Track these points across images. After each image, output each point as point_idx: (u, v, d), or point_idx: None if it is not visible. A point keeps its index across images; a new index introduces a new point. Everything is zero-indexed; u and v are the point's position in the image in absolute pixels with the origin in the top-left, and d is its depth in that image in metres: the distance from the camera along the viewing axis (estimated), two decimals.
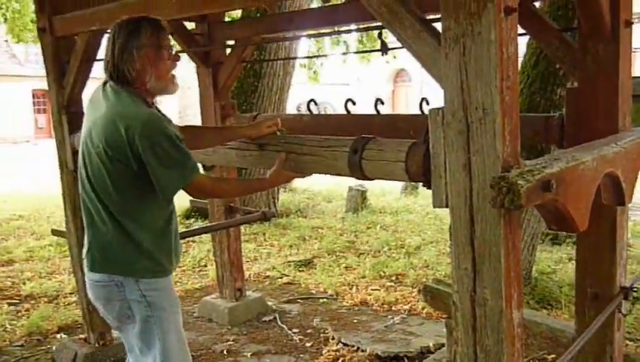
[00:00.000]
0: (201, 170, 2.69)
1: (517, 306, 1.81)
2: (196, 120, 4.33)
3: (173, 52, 2.53)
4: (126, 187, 2.44)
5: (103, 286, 2.54)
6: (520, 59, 3.44)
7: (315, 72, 13.29)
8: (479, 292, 1.81)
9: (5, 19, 11.60)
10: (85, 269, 2.60)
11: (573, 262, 2.93)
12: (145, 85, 2.45)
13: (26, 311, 5.17)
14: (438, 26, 1.82)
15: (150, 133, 2.33)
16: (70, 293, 5.45)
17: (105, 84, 2.50)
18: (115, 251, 2.50)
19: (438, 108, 1.83)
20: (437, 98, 1.84)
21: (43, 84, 3.93)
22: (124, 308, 2.54)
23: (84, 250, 2.61)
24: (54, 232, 4.59)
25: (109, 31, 2.56)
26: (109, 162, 2.39)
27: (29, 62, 30.54)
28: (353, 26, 4.04)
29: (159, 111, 2.56)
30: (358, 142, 2.20)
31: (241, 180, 2.83)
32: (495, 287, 1.77)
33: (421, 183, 2.05)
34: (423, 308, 4.91)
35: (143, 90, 2.46)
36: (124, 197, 2.45)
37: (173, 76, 2.53)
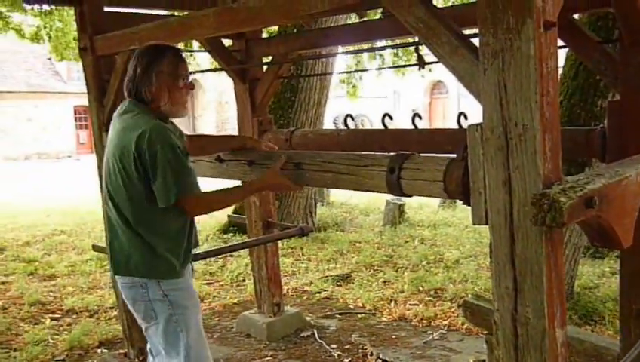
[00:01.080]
0: None
1: (560, 325, 1.77)
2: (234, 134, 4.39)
3: (189, 81, 2.74)
4: (139, 197, 2.61)
5: (130, 287, 2.75)
6: (559, 70, 3.41)
7: (354, 87, 13.31)
8: (521, 310, 1.78)
9: (49, 38, 11.89)
10: (112, 273, 2.86)
11: (617, 276, 2.86)
12: (159, 107, 2.66)
13: (68, 325, 5.24)
14: (476, 41, 1.81)
15: (154, 141, 2.51)
16: (111, 308, 5.51)
17: (124, 102, 2.74)
18: (135, 257, 2.69)
19: (477, 125, 1.81)
20: (474, 110, 1.82)
21: (84, 101, 4.02)
22: (148, 308, 2.74)
23: (109, 256, 2.83)
24: (95, 248, 4.66)
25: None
26: (124, 174, 2.59)
27: (72, 79, 31.23)
28: (389, 41, 4.03)
29: (172, 124, 2.78)
30: (396, 159, 2.18)
31: (226, 189, 2.85)
32: (537, 306, 1.74)
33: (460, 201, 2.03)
34: (462, 324, 4.85)
35: (157, 110, 2.67)
36: (138, 207, 2.63)
37: (186, 102, 2.75)
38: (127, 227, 2.67)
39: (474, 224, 1.89)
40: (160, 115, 2.67)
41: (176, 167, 2.54)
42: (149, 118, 2.60)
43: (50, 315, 5.50)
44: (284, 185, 2.81)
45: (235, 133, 4.60)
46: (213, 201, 2.82)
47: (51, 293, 6.16)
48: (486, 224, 1.84)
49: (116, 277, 2.81)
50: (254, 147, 3.17)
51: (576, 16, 3.27)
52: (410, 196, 2.23)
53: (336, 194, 11.07)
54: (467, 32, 2.09)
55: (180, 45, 5.92)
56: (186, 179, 2.59)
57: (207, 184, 2.86)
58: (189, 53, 8.34)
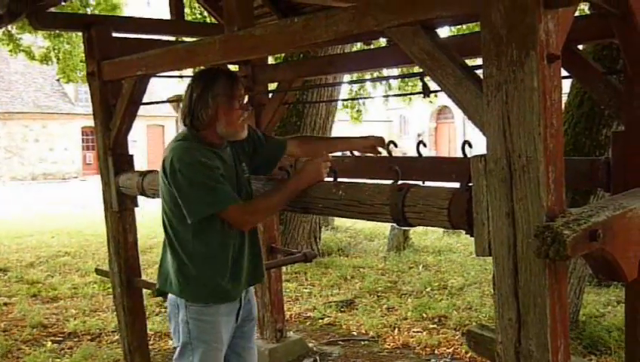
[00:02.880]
0: None
1: (564, 359, 1.75)
2: None
3: (245, 102, 2.78)
4: (177, 216, 2.64)
5: (169, 304, 2.82)
6: (564, 98, 3.40)
7: (358, 111, 13.35)
8: (524, 343, 1.76)
9: (58, 60, 12.00)
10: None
11: (623, 305, 2.84)
12: (215, 129, 2.68)
13: (69, 348, 5.22)
14: (480, 72, 1.81)
15: (174, 162, 2.55)
16: (113, 331, 5.49)
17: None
18: (172, 275, 2.73)
19: (481, 156, 1.81)
20: (479, 136, 1.81)
21: (92, 122, 4.04)
22: (176, 329, 2.79)
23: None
24: (98, 271, 4.65)
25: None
26: (166, 195, 2.65)
27: (79, 100, 31.47)
28: (394, 69, 4.05)
29: (228, 147, 2.80)
30: (400, 191, 2.18)
31: (271, 191, 2.78)
32: (541, 339, 1.72)
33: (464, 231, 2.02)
34: (466, 352, 4.80)
35: (213, 133, 2.69)
36: (177, 226, 2.67)
37: (243, 122, 2.74)
38: (169, 245, 2.73)
39: (477, 255, 1.88)
40: (215, 139, 2.69)
41: (206, 181, 2.53)
42: (187, 142, 2.64)
43: (52, 338, 5.49)
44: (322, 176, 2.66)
45: None
46: (261, 206, 2.71)
47: (54, 316, 6.15)
48: (489, 255, 1.83)
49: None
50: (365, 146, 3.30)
51: (580, 46, 3.28)
52: (414, 226, 2.23)
53: (341, 219, 11.04)
54: (471, 62, 2.10)
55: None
56: (218, 194, 2.55)
57: None
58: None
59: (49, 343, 5.34)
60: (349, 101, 12.85)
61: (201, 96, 2.64)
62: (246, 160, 2.91)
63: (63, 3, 3.92)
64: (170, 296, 2.80)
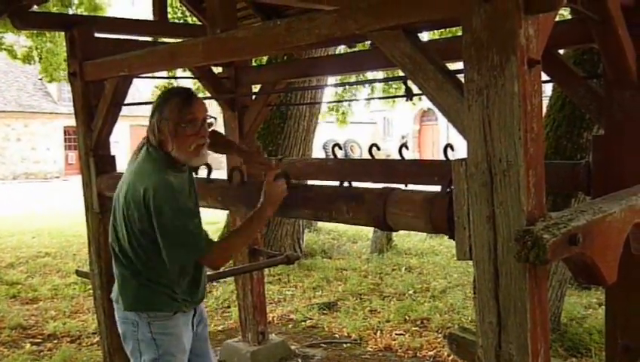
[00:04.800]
0: None
1: None
2: (224, 158, 4.36)
3: (202, 126, 2.62)
4: (142, 241, 2.58)
5: (122, 323, 2.74)
6: (545, 102, 3.42)
7: (343, 114, 13.37)
8: (504, 347, 1.77)
9: (40, 59, 11.90)
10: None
11: (604, 307, 2.88)
12: (170, 152, 2.60)
13: (48, 350, 5.17)
14: (461, 76, 1.82)
15: (160, 202, 2.46)
16: (93, 333, 5.45)
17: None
18: (133, 289, 2.65)
19: (462, 160, 1.81)
20: (462, 140, 1.82)
21: (74, 122, 3.99)
22: (135, 348, 2.70)
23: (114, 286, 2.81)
24: (78, 273, 4.62)
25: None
26: (129, 215, 2.56)
27: (62, 99, 31.20)
28: (378, 72, 4.06)
29: (190, 174, 2.75)
30: (381, 195, 2.18)
31: (239, 227, 2.73)
32: (521, 343, 1.73)
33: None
34: (448, 355, 4.82)
35: (168, 155, 2.61)
36: (147, 244, 2.58)
37: (198, 148, 2.62)
38: (128, 262, 2.64)
39: (458, 259, 1.89)
40: (173, 161, 2.61)
41: (181, 232, 2.48)
42: (157, 170, 2.54)
43: (31, 340, 5.44)
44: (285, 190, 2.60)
45: (224, 157, 4.58)
46: (231, 248, 2.74)
47: (33, 317, 6.09)
48: (470, 259, 1.84)
49: (116, 308, 2.79)
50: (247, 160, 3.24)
51: (561, 50, 3.31)
52: (395, 230, 2.23)
53: (322, 221, 11.02)
54: (453, 66, 2.11)
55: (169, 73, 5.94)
56: (196, 243, 2.51)
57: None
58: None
59: (28, 345, 5.28)
60: (334, 103, 12.87)
61: (153, 117, 2.60)
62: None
63: (45, 3, 3.87)
64: (122, 314, 2.72)
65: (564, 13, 5.66)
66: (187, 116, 2.56)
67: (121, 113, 3.81)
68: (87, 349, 5.15)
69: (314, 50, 5.89)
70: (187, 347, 2.77)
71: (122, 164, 3.23)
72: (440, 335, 5.30)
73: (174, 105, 2.57)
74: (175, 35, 4.49)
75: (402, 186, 2.37)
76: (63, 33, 3.97)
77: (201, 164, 2.71)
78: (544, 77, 2.07)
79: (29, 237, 11.06)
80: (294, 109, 7.95)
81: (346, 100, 12.09)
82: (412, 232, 10.18)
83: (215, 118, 2.80)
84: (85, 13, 9.83)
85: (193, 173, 2.83)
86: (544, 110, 3.29)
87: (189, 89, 2.75)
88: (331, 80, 8.38)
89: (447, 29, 7.40)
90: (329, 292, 6.85)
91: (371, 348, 5.14)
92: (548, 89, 5.41)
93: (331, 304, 6.36)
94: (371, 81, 7.52)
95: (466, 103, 1.75)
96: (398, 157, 3.44)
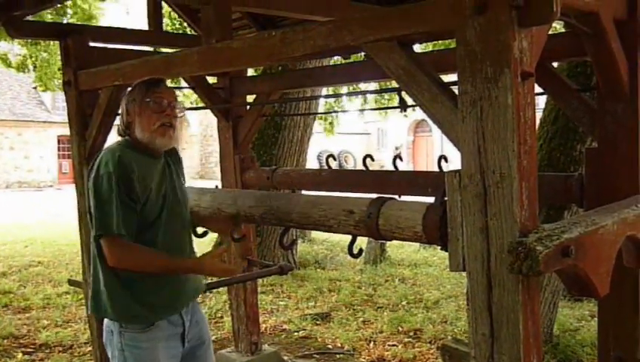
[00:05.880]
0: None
1: None
2: (218, 168, 4.37)
3: (168, 107, 2.57)
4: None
5: (104, 329, 2.64)
6: (539, 114, 3.43)
7: (330, 123, 13.37)
8: (497, 359, 1.77)
9: (35, 68, 11.89)
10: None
11: (596, 319, 2.88)
12: (134, 136, 2.57)
13: (40, 360, 5.14)
14: (455, 88, 1.83)
15: (95, 168, 2.47)
16: (85, 343, 5.41)
17: None
18: (107, 295, 2.52)
19: (455, 171, 1.82)
20: (456, 151, 1.83)
21: (68, 131, 3.99)
22: (114, 355, 2.59)
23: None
24: (71, 282, 4.60)
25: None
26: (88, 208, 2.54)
27: (56, 108, 31.14)
28: (372, 83, 4.07)
29: (167, 162, 2.67)
30: (374, 204, 2.19)
31: (167, 256, 2.55)
32: (513, 354, 1.73)
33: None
34: None
35: (135, 140, 2.57)
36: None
37: (163, 129, 2.55)
38: (101, 264, 2.52)
39: (451, 270, 1.89)
40: (141, 147, 2.54)
41: (104, 199, 2.40)
42: (111, 148, 2.53)
43: (23, 349, 5.39)
44: (225, 272, 2.73)
45: (218, 167, 4.58)
46: (140, 256, 2.48)
47: (25, 326, 6.05)
48: (463, 270, 1.84)
49: None
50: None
51: (555, 63, 3.33)
52: (388, 241, 2.24)
53: (317, 231, 11.02)
54: (447, 78, 2.12)
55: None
56: (110, 217, 2.39)
57: None
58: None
59: (20, 354, 5.25)
60: (327, 113, 12.87)
61: (122, 103, 2.62)
62: (182, 178, 2.80)
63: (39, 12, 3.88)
64: (105, 320, 2.62)
65: (558, 26, 5.70)
66: (152, 95, 2.55)
67: (115, 123, 3.81)
68: (79, 359, 5.11)
69: (309, 61, 5.91)
70: None
71: None
72: (433, 347, 5.29)
73: (142, 86, 2.59)
74: (170, 45, 4.50)
75: (396, 197, 2.36)
76: (57, 42, 3.97)
77: (166, 147, 2.61)
78: (537, 89, 2.08)
79: (21, 246, 11.01)
80: (289, 120, 7.96)
81: (337, 111, 12.09)
82: (405, 243, 10.19)
83: (185, 109, 2.75)
84: (79, 22, 9.83)
85: (175, 162, 2.76)
86: (537, 122, 3.32)
87: (160, 77, 2.73)
88: (325, 91, 8.41)
89: (441, 41, 7.44)
90: (322, 303, 6.84)
91: (364, 358, 5.13)
92: (541, 101, 5.42)
93: (324, 314, 6.35)
94: (365, 92, 7.51)
95: (460, 115, 1.76)
96: (392, 168, 3.45)
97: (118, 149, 2.50)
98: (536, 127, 1.91)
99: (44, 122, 31.20)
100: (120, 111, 2.64)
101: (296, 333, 5.83)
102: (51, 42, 10.81)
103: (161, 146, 2.59)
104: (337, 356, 5.20)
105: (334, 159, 3.38)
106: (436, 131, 32.47)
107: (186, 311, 2.68)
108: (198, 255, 2.77)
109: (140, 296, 2.51)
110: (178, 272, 2.55)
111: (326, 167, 3.72)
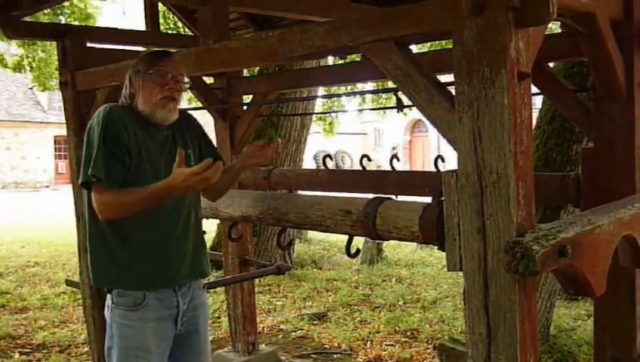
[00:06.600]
0: None
1: None
2: None
3: (172, 80, 2.53)
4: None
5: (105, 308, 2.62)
6: (535, 114, 3.44)
7: (330, 124, 13.38)
8: (494, 358, 1.78)
9: (32, 68, 11.87)
10: None
11: (593, 319, 2.89)
12: (137, 107, 2.54)
13: (37, 360, 5.13)
14: (452, 88, 1.84)
15: (89, 125, 2.45)
16: (82, 343, 5.41)
17: None
18: (96, 264, 2.53)
19: (452, 171, 1.83)
20: (453, 151, 1.83)
21: (65, 131, 4.00)
22: (108, 328, 2.58)
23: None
24: (68, 283, 4.59)
25: None
26: None
27: (52, 108, 31.14)
28: (369, 83, 4.08)
29: (173, 134, 2.61)
30: (371, 204, 2.19)
31: (140, 188, 2.39)
32: (510, 354, 1.74)
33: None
34: None
35: (137, 111, 2.54)
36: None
37: (165, 101, 2.52)
38: (93, 231, 2.53)
39: (448, 270, 1.90)
40: (143, 118, 2.52)
41: (91, 146, 2.39)
42: (111, 104, 2.53)
43: (20, 349, 5.39)
44: (192, 174, 2.28)
45: None
46: (116, 198, 2.37)
47: (22, 327, 6.04)
48: (460, 270, 1.85)
49: None
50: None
51: (551, 64, 3.33)
52: (386, 240, 2.24)
53: (314, 231, 11.02)
54: (444, 78, 2.13)
55: None
56: (90, 161, 2.36)
57: None
58: None
59: (17, 355, 5.24)
60: (322, 114, 12.88)
61: (127, 75, 2.59)
62: (194, 150, 2.69)
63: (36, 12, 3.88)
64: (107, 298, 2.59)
65: (554, 26, 5.71)
66: (157, 67, 2.52)
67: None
68: (76, 359, 5.11)
69: (306, 61, 5.92)
70: (155, 346, 2.53)
71: None
72: (430, 346, 5.30)
73: (147, 57, 2.58)
74: (167, 46, 4.49)
75: (393, 197, 2.37)
76: (54, 42, 3.98)
77: (167, 120, 2.56)
78: (534, 89, 2.09)
79: (18, 247, 11.00)
80: (285, 120, 7.97)
81: (335, 111, 12.10)
82: (402, 243, 10.20)
83: (191, 85, 2.72)
84: (76, 23, 9.82)
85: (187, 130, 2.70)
86: (534, 122, 3.32)
87: (167, 50, 2.71)
88: (322, 91, 8.42)
89: (438, 42, 7.44)
90: (319, 303, 6.84)
91: (361, 358, 5.13)
92: (538, 101, 5.43)
93: (321, 314, 6.35)
94: (362, 93, 7.53)
95: (457, 115, 1.77)
96: (389, 168, 3.46)
97: (114, 105, 2.52)
98: (533, 127, 1.92)
99: (41, 122, 31.20)
100: (124, 83, 2.61)
101: (293, 333, 5.83)
102: (48, 42, 10.80)
103: (162, 119, 2.54)
104: (334, 356, 5.21)
105: (331, 159, 3.38)
106: (433, 131, 32.50)
107: (183, 293, 2.61)
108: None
109: (126, 264, 2.49)
110: (155, 199, 2.36)
111: (323, 167, 3.72)
